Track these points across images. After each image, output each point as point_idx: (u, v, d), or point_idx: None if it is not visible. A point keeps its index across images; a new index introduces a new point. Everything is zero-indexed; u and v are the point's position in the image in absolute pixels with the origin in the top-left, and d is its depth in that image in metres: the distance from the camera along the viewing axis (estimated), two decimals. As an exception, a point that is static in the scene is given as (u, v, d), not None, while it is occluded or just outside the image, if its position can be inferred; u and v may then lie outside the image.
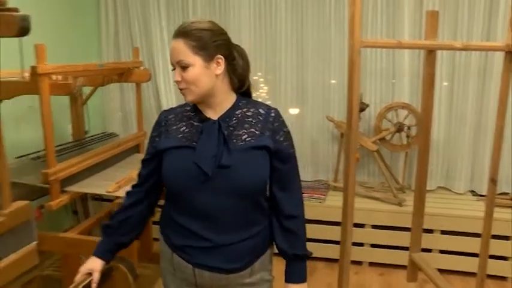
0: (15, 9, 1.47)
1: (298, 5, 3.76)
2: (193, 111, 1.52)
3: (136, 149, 3.23)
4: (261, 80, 3.98)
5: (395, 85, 3.74)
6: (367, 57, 3.70)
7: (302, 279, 1.61)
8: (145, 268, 2.99)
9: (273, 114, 1.51)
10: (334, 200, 3.56)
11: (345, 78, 3.71)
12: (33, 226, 1.70)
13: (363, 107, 3.49)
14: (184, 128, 1.50)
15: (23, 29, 1.45)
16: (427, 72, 2.16)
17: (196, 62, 1.40)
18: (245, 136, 1.46)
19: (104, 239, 1.61)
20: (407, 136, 3.62)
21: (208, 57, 1.41)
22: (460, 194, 3.71)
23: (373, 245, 3.44)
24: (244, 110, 1.51)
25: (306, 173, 4.01)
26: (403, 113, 3.61)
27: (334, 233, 3.31)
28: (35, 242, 1.71)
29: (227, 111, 1.50)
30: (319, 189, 3.78)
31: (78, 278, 1.54)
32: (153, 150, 1.54)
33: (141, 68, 3.14)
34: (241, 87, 1.55)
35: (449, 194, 3.72)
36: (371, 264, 3.49)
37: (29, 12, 1.49)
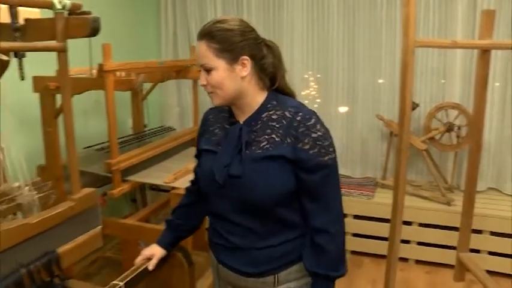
0: (88, 12, 1.57)
1: (350, 7, 3.74)
2: (228, 112, 1.46)
3: (192, 142, 3.30)
4: (311, 79, 3.98)
5: (445, 85, 3.65)
6: (418, 57, 3.63)
7: None
8: (198, 256, 3.06)
9: (298, 118, 1.32)
10: (382, 197, 3.54)
11: (394, 79, 3.68)
12: (98, 211, 1.79)
13: (413, 106, 3.44)
14: (217, 130, 1.47)
15: (94, 29, 1.55)
16: (480, 73, 2.12)
17: (219, 65, 1.31)
18: (264, 143, 1.33)
19: (166, 232, 1.68)
20: (457, 136, 3.54)
21: (232, 60, 1.31)
22: (511, 195, 3.60)
23: (419, 243, 3.39)
24: (271, 112, 1.37)
25: (355, 170, 4.00)
26: (453, 113, 3.53)
27: (381, 229, 3.30)
28: (99, 226, 1.80)
29: (253, 114, 1.38)
30: (367, 186, 3.76)
31: (139, 260, 1.63)
32: (198, 148, 1.56)
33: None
34: (273, 85, 1.42)
35: (499, 195, 3.61)
36: (417, 262, 3.44)
37: (97, 14, 1.59)
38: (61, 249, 1.60)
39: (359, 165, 4.01)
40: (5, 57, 1.57)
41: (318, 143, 1.30)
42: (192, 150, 1.90)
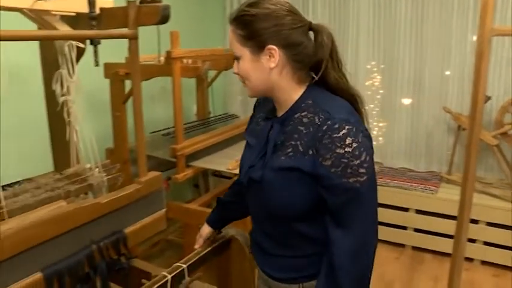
0: (159, 0, 1.62)
1: (419, -5, 3.64)
2: (273, 103, 1.28)
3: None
4: (374, 69, 3.91)
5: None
6: (491, 47, 3.48)
7: None
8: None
9: (325, 127, 1.09)
10: (447, 192, 3.43)
11: (464, 69, 3.55)
12: (163, 195, 1.85)
13: (485, 99, 3.30)
14: (260, 119, 1.33)
15: (164, 17, 1.60)
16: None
17: (244, 55, 1.16)
18: (289, 150, 1.16)
19: (215, 209, 1.65)
20: (532, 132, 3.37)
21: (258, 49, 1.14)
22: None
23: (486, 243, 3.26)
24: (303, 113, 1.16)
25: (419, 164, 3.90)
26: (529, 107, 3.36)
27: (445, 225, 3.22)
28: (164, 209, 1.86)
29: (287, 111, 1.21)
30: (431, 180, 3.65)
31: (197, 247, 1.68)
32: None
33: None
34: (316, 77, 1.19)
35: None
36: (483, 262, 3.31)
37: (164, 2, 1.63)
38: (128, 230, 1.68)
39: (423, 159, 3.89)
40: (81, 45, 1.65)
41: (343, 160, 1.06)
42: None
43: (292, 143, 1.15)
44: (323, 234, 1.17)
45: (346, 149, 1.06)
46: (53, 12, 1.58)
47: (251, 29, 1.13)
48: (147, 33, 1.69)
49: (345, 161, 1.06)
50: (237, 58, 1.19)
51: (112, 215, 1.61)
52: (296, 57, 1.15)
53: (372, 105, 3.92)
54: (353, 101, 1.20)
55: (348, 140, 1.06)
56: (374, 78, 3.92)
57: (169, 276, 1.45)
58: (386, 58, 3.85)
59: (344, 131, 1.07)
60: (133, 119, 1.76)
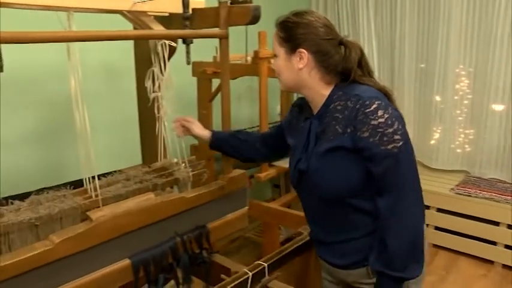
0: (249, 1, 1.65)
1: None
2: (309, 105, 1.45)
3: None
4: (463, 73, 3.73)
5: None
6: None
7: None
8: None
9: (357, 106, 1.25)
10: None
11: None
12: (246, 193, 1.90)
13: None
14: (301, 122, 1.48)
15: (254, 18, 1.64)
16: None
17: (280, 53, 1.38)
18: (330, 134, 1.31)
19: (224, 132, 1.77)
20: None
21: (291, 50, 1.35)
22: None
23: None
24: (336, 103, 1.33)
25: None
26: None
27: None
28: (246, 207, 1.90)
29: (321, 107, 1.38)
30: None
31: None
32: (283, 125, 1.63)
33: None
34: (346, 81, 1.36)
35: None
36: None
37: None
38: (210, 225, 1.73)
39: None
40: (173, 44, 1.73)
41: (378, 130, 1.22)
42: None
43: (332, 128, 1.30)
44: (370, 216, 1.32)
45: (379, 120, 1.21)
46: (149, 13, 1.66)
47: (289, 33, 1.34)
48: (234, 33, 1.74)
49: (380, 130, 1.21)
50: (275, 55, 1.40)
51: (196, 210, 1.67)
52: (323, 63, 1.34)
53: (458, 111, 3.75)
54: (381, 89, 1.34)
55: (380, 112, 1.22)
56: (462, 82, 3.75)
57: (250, 274, 1.48)
58: (478, 60, 3.64)
59: (375, 105, 1.23)
60: (218, 117, 1.82)
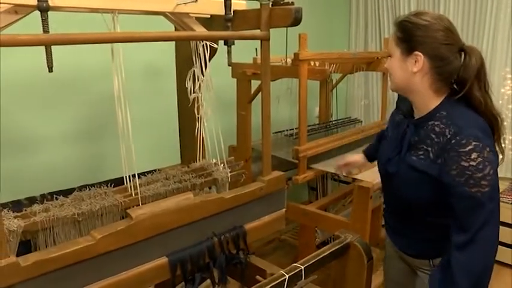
0: (291, 3, 1.66)
1: None
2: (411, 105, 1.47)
3: (377, 136, 3.29)
4: (509, 76, 3.61)
5: None
6: None
7: None
8: (372, 252, 3.07)
9: (453, 141, 1.25)
10: None
11: None
12: (284, 195, 1.89)
13: None
14: (398, 118, 1.56)
15: (296, 19, 1.64)
16: None
17: (395, 53, 1.37)
18: (420, 153, 1.36)
19: (375, 142, 1.89)
20: None
21: (407, 51, 1.33)
22: None
23: None
24: (436, 123, 1.33)
25: None
26: None
27: None
28: (284, 209, 1.90)
29: (423, 117, 1.38)
30: None
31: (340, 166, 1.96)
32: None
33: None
34: (457, 94, 1.33)
35: None
36: None
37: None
38: (248, 226, 1.74)
39: None
40: (215, 45, 1.75)
41: (467, 172, 1.22)
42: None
43: (424, 147, 1.34)
44: (443, 225, 1.35)
45: (470, 163, 1.21)
46: (191, 15, 1.69)
47: (406, 33, 1.32)
48: (273, 35, 1.75)
49: (469, 173, 1.22)
50: (390, 55, 1.40)
51: (234, 211, 1.68)
52: (438, 70, 1.31)
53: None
54: (493, 120, 1.34)
55: (474, 155, 1.21)
56: (508, 85, 3.63)
57: (286, 276, 1.48)
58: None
59: (470, 147, 1.22)
60: (256, 118, 1.83)
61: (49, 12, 1.23)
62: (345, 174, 1.94)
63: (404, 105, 1.51)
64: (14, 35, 1.09)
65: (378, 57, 3.06)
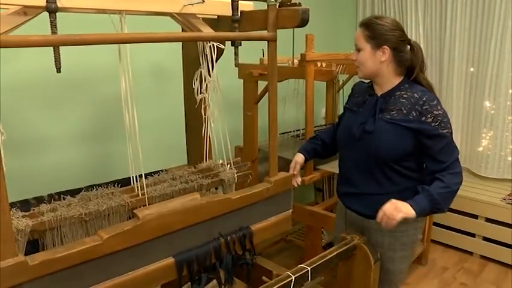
0: (298, 4, 1.67)
1: None
2: (370, 87, 1.86)
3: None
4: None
5: None
6: None
7: (411, 202, 1.66)
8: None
9: (424, 98, 1.70)
10: None
11: None
12: (291, 196, 1.90)
13: None
14: (359, 98, 1.90)
15: (303, 20, 1.65)
16: None
17: (366, 48, 1.73)
18: (393, 112, 1.73)
19: (310, 143, 2.12)
20: None
21: (376, 46, 1.71)
22: None
23: None
24: (402, 92, 1.75)
25: None
26: None
27: None
28: (290, 210, 1.91)
29: (389, 90, 1.78)
30: None
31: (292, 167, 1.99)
32: (344, 107, 2.01)
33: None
34: (410, 76, 1.77)
35: None
36: None
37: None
38: (254, 227, 1.75)
39: None
40: (222, 46, 1.76)
41: (439, 118, 1.68)
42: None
43: (396, 107, 1.73)
44: (416, 172, 1.78)
45: (439, 112, 1.69)
46: (198, 15, 1.70)
47: (375, 32, 1.71)
48: (280, 35, 1.76)
49: (440, 118, 1.68)
50: (359, 49, 1.76)
51: (241, 211, 1.69)
52: (398, 59, 1.74)
53: (510, 117, 3.62)
54: (431, 89, 1.79)
55: (439, 107, 1.70)
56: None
57: (293, 277, 1.49)
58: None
59: (436, 102, 1.71)
60: (263, 119, 1.83)
61: (57, 14, 1.25)
62: (298, 184, 2.01)
63: (359, 89, 1.94)
64: (25, 36, 1.10)
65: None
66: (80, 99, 2.46)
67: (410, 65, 1.77)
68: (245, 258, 1.73)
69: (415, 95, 1.72)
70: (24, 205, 1.49)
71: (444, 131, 1.69)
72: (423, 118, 1.68)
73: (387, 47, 1.70)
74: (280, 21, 1.67)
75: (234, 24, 1.68)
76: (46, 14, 1.26)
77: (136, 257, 1.41)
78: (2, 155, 1.13)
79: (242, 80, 2.74)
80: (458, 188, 1.72)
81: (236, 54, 1.70)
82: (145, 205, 1.56)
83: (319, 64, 2.58)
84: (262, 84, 2.64)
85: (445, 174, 1.69)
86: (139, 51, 1.98)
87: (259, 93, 2.67)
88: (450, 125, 1.73)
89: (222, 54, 1.83)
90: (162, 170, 1.88)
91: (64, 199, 1.50)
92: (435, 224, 3.50)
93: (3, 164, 1.12)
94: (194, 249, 1.56)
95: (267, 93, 1.86)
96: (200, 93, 1.88)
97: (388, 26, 1.70)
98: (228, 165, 1.90)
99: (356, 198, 1.87)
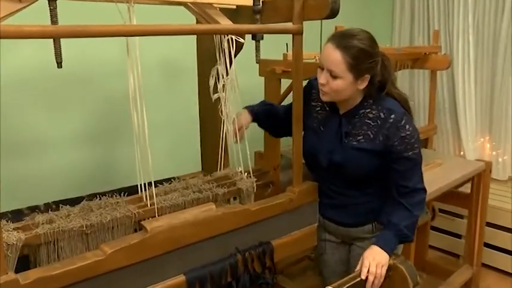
0: (329, -7, 1.64)
1: None
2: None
3: (424, 143, 3.25)
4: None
5: None
6: None
7: (382, 247, 1.72)
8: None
9: (390, 120, 1.73)
10: None
11: None
12: (316, 207, 1.89)
13: None
14: (318, 109, 1.90)
15: (332, 11, 1.63)
16: None
17: (347, 77, 1.67)
18: (360, 137, 1.78)
19: (257, 105, 2.05)
20: None
21: (358, 76, 1.68)
22: None
23: None
24: (367, 110, 1.78)
25: None
26: None
27: None
28: (315, 224, 1.89)
29: (352, 109, 1.80)
30: None
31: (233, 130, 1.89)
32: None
33: (439, 53, 3.12)
34: (382, 91, 1.79)
35: None
36: None
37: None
38: (275, 242, 1.73)
39: None
40: (241, 40, 1.75)
41: (405, 140, 1.73)
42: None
43: (362, 132, 1.77)
44: (381, 190, 1.86)
45: (406, 133, 1.73)
46: (215, 5, 1.69)
47: (359, 61, 1.65)
48: (306, 28, 1.74)
49: (406, 140, 1.73)
50: (335, 76, 1.67)
51: (260, 224, 1.68)
52: (373, 80, 1.74)
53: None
54: (404, 102, 1.83)
55: (407, 127, 1.73)
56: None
57: (318, 300, 1.47)
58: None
59: (403, 121, 1.73)
60: (287, 122, 1.81)
61: (58, 2, 1.25)
62: (236, 141, 1.89)
63: (317, 92, 1.85)
64: (19, 26, 1.10)
65: (425, 53, 3.02)
66: (83, 97, 2.47)
67: (380, 80, 1.77)
68: (264, 278, 1.71)
69: (381, 115, 1.75)
70: (17, 216, 1.49)
71: (409, 153, 1.75)
72: (390, 142, 1.74)
73: (368, 75, 1.70)
74: (307, 12, 1.66)
75: (255, 15, 1.66)
76: (45, 1, 1.25)
77: (143, 274, 1.40)
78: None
79: (263, 78, 2.72)
80: (419, 209, 1.84)
81: (257, 49, 1.69)
82: (155, 216, 1.56)
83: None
84: (285, 83, 2.62)
85: (408, 200, 1.79)
86: (150, 45, 1.98)
87: (282, 92, 2.64)
88: (418, 144, 1.79)
89: (241, 49, 1.82)
90: (173, 178, 1.87)
91: (62, 209, 1.50)
92: (487, 245, 3.35)
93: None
94: (208, 266, 1.54)
95: (291, 93, 1.84)
96: (216, 92, 1.87)
97: (371, 51, 1.68)
98: (247, 173, 1.89)
99: (333, 209, 1.93)
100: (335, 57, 1.65)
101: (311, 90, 1.92)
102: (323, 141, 1.84)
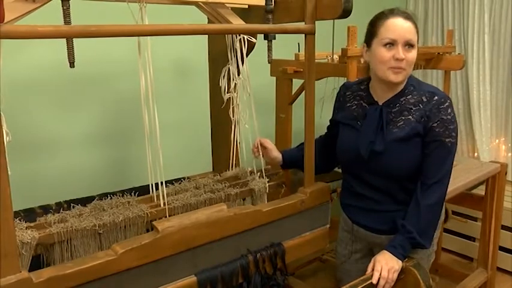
0: (340, -9, 1.65)
1: None
2: (365, 91, 1.81)
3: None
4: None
5: None
6: None
7: (395, 252, 1.68)
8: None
9: (433, 102, 1.67)
10: None
11: None
12: (328, 209, 1.89)
13: None
14: (355, 107, 1.83)
15: (346, 11, 1.63)
16: None
17: (416, 47, 1.67)
18: (401, 123, 1.70)
19: (294, 149, 2.00)
20: None
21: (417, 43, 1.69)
22: None
23: None
24: (409, 97, 1.72)
25: None
26: None
27: None
28: (327, 225, 1.90)
29: (393, 97, 1.74)
30: None
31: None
32: (333, 119, 1.94)
33: (453, 53, 3.11)
34: None
35: None
36: None
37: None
38: (287, 243, 1.73)
39: None
40: (253, 39, 1.76)
41: (445, 124, 1.66)
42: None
43: (403, 117, 1.70)
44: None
45: (447, 116, 1.66)
46: (227, 5, 1.70)
47: (417, 30, 1.69)
48: (318, 28, 1.74)
49: (446, 124, 1.66)
50: (412, 45, 1.65)
51: (272, 225, 1.68)
52: None
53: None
54: None
55: (449, 110, 1.67)
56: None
57: (331, 302, 1.47)
58: None
59: (447, 104, 1.68)
60: (297, 122, 1.82)
61: (70, 2, 1.26)
62: (256, 155, 1.92)
63: (351, 95, 1.85)
64: (33, 26, 1.11)
65: (439, 53, 3.00)
66: (95, 97, 2.49)
67: None
68: (276, 279, 1.71)
69: (423, 98, 1.70)
70: (29, 215, 1.50)
71: (446, 140, 1.67)
72: (429, 123, 1.67)
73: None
74: (320, 11, 1.66)
75: (267, 15, 1.67)
76: (58, 1, 1.27)
77: (154, 274, 1.41)
78: (7, 159, 1.13)
79: (275, 78, 2.73)
80: (438, 211, 1.76)
81: (269, 49, 1.70)
82: (166, 216, 1.57)
83: (362, 60, 2.54)
84: (297, 83, 2.62)
85: (427, 199, 1.70)
86: (161, 45, 1.99)
87: (294, 93, 2.65)
88: (456, 134, 1.71)
89: (253, 49, 1.82)
90: (184, 178, 1.88)
91: (74, 208, 1.51)
92: (502, 248, 3.31)
93: (8, 169, 1.13)
94: (219, 267, 1.55)
95: (302, 93, 1.84)
96: (228, 93, 1.88)
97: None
98: (258, 174, 1.89)
99: (366, 213, 1.85)
100: (409, 27, 1.65)
101: (345, 93, 1.89)
102: (363, 134, 1.76)
